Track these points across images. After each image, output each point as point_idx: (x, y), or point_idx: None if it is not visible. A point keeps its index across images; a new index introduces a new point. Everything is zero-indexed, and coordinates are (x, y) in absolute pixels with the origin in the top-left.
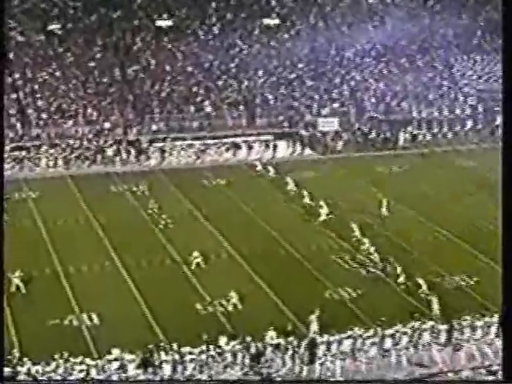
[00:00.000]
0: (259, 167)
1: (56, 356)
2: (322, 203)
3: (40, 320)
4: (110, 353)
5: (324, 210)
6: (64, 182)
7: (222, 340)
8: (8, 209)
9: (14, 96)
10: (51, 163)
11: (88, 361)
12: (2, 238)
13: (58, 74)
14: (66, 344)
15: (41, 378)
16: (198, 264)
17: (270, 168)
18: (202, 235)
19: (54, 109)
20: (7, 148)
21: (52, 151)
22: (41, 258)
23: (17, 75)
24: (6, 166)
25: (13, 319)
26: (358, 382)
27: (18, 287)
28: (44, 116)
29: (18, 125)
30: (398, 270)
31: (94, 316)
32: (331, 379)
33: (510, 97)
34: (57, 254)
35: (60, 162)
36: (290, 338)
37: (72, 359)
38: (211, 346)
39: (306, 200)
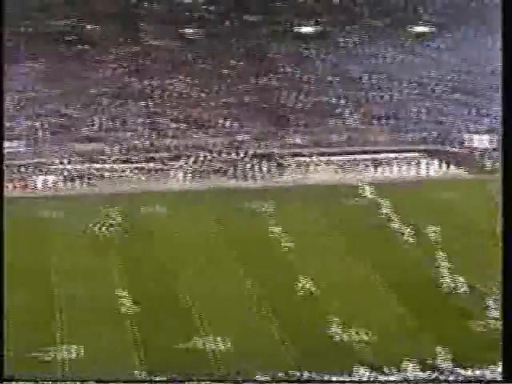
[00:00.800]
0: (363, 187)
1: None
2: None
3: (164, 342)
4: (239, 382)
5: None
6: (194, 196)
7: (359, 370)
8: (135, 223)
9: (143, 103)
10: (181, 176)
11: None
12: (2, 238)
13: (190, 81)
14: (190, 368)
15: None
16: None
17: (367, 188)
18: (337, 257)
19: (185, 118)
20: (134, 158)
21: (182, 163)
22: (166, 276)
23: (147, 82)
24: (143, 179)
25: (134, 340)
26: (358, 382)
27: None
28: (174, 126)
29: (146, 134)
30: None
31: (220, 339)
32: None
33: (510, 97)
34: (183, 272)
35: (190, 175)
36: (433, 372)
37: None
38: (347, 377)
39: (395, 224)
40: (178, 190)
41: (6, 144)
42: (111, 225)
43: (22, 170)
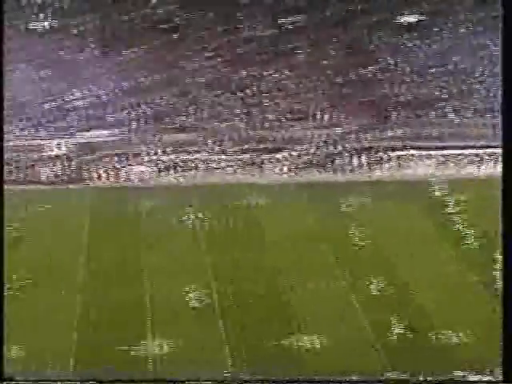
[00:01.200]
0: (458, 183)
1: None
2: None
3: (254, 340)
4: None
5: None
6: (289, 190)
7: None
8: (227, 216)
9: (239, 94)
10: (277, 169)
11: None
12: (2, 237)
13: (288, 72)
14: (283, 367)
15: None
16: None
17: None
18: (427, 256)
19: (282, 110)
20: (229, 150)
21: (278, 156)
22: (260, 270)
23: (244, 72)
24: (237, 170)
25: (222, 337)
26: (357, 382)
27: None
28: (271, 117)
29: (242, 125)
30: None
31: (315, 339)
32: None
33: (510, 96)
34: (277, 268)
35: (286, 168)
36: None
37: None
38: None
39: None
40: (273, 183)
41: (97, 132)
42: (203, 217)
43: (114, 159)
